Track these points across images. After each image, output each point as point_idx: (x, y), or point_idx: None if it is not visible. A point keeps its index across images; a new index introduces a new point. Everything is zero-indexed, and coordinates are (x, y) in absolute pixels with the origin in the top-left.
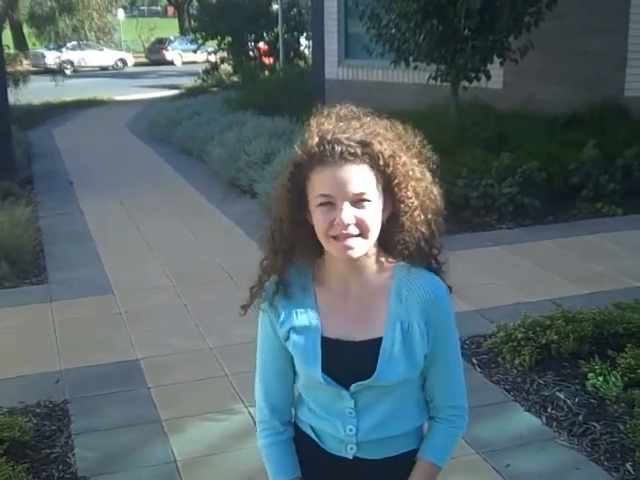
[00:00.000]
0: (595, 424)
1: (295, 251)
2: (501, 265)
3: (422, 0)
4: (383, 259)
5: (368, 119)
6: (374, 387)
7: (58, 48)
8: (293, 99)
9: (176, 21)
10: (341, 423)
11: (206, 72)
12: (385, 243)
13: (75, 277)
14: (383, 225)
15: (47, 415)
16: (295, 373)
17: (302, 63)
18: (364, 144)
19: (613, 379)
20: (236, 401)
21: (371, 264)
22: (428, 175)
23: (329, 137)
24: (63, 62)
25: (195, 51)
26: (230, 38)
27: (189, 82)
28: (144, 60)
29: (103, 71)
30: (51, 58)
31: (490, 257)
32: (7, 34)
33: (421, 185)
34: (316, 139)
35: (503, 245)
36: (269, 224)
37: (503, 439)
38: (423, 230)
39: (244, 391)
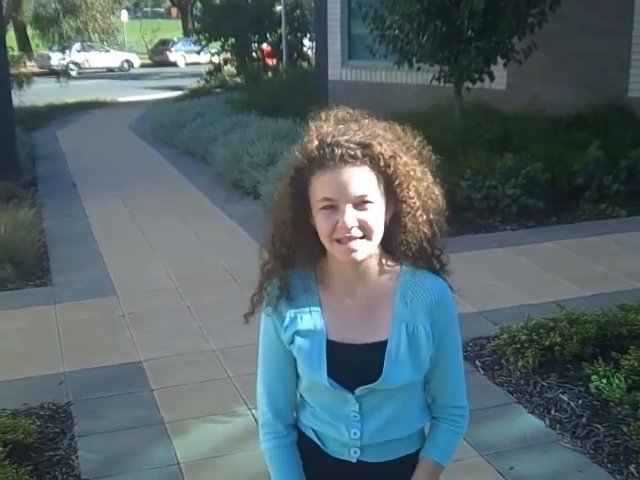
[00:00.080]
0: (599, 426)
1: (296, 255)
2: (504, 267)
3: (425, 1)
4: (386, 261)
5: (367, 121)
6: (379, 390)
7: (64, 50)
8: (296, 100)
9: (179, 22)
10: (345, 427)
11: (209, 73)
12: (388, 245)
13: (78, 279)
14: (386, 227)
15: (50, 417)
16: (298, 376)
17: (305, 64)
18: (364, 146)
19: (617, 381)
20: (239, 403)
21: (375, 266)
22: (429, 175)
23: (329, 140)
24: (69, 63)
25: (198, 52)
26: (233, 39)
27: (192, 83)
28: (148, 61)
29: (109, 72)
30: (56, 59)
31: (493, 259)
32: (11, 36)
33: (422, 185)
34: (316, 143)
35: (507, 247)
36: (269, 229)
37: (506, 441)
38: (425, 230)
39: (247, 393)
